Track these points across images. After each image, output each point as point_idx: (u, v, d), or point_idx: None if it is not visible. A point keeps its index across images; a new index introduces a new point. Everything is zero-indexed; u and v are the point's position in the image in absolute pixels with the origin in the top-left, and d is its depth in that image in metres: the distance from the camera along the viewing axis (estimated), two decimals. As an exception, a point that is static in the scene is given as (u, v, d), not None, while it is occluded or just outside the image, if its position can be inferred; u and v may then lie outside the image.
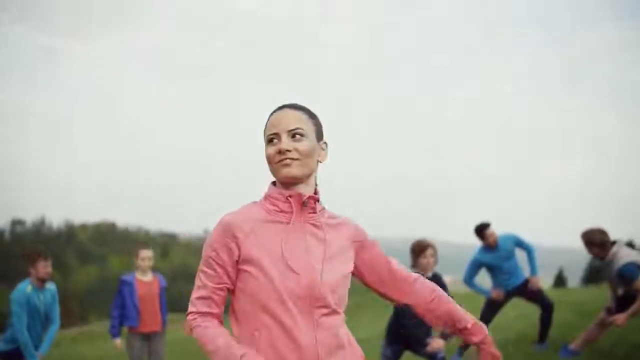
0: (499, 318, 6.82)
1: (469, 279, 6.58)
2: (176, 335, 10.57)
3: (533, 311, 7.28)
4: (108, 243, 57.97)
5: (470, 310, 6.69)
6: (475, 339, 1.94)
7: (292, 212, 1.78)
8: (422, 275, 4.86)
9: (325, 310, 1.74)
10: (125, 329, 6.01)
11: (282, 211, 1.79)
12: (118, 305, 5.90)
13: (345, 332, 1.80)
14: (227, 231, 1.74)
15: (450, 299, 1.99)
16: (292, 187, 1.80)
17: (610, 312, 5.52)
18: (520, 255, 6.66)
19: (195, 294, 1.78)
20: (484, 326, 1.97)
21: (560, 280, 33.68)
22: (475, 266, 6.55)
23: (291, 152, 1.76)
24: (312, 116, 1.84)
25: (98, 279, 49.39)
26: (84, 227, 61.87)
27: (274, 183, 1.84)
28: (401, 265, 1.96)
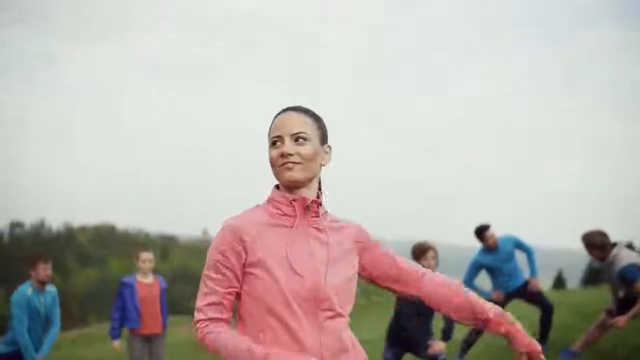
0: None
1: (469, 281, 6.58)
2: (176, 337, 10.57)
3: (533, 313, 7.27)
4: (108, 245, 57.92)
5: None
6: (502, 329, 1.86)
7: (295, 216, 1.79)
8: None
9: (329, 313, 1.74)
10: (126, 331, 6.01)
11: (285, 215, 1.79)
12: (119, 307, 5.90)
13: (349, 335, 1.80)
14: (234, 234, 1.74)
15: (468, 290, 1.93)
16: (294, 190, 1.80)
17: (611, 314, 5.53)
18: (519, 256, 6.66)
19: (203, 300, 1.75)
20: (508, 315, 1.90)
21: (559, 282, 33.69)
22: (475, 268, 6.56)
23: (294, 156, 1.75)
24: (317, 119, 1.83)
25: (98, 281, 49.34)
26: (83, 229, 61.83)
27: (277, 186, 1.84)
28: (409, 262, 1.94)
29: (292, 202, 1.78)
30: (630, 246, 5.45)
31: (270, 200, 1.82)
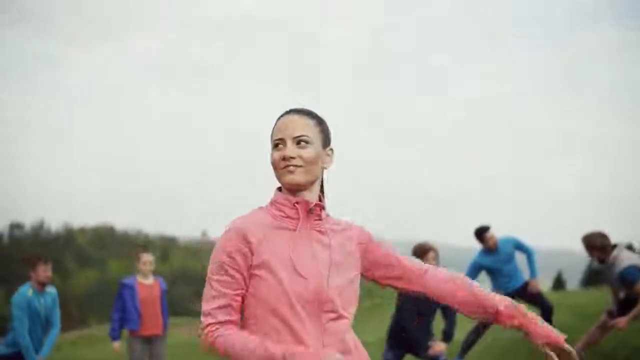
0: (499, 321, 6.81)
1: (469, 282, 6.57)
2: (177, 339, 10.58)
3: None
4: (107, 247, 57.92)
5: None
6: (515, 322, 1.83)
7: (298, 219, 1.79)
8: None
9: (332, 315, 1.74)
10: (126, 332, 6.01)
11: (288, 217, 1.79)
12: (119, 308, 5.90)
13: (351, 337, 1.81)
14: (240, 236, 1.73)
15: (473, 283, 1.91)
16: (297, 193, 1.80)
17: (611, 315, 5.52)
18: (519, 257, 6.66)
19: (211, 304, 1.72)
20: (521, 306, 1.86)
21: (559, 283, 33.68)
22: (476, 269, 6.56)
23: (295, 159, 1.75)
24: (320, 122, 1.83)
25: (97, 282, 49.33)
26: (82, 230, 61.82)
27: (279, 188, 1.84)
28: (411, 259, 1.94)
29: (295, 204, 1.79)
30: (630, 247, 5.44)
31: (273, 203, 1.82)
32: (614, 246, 5.39)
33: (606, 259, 5.38)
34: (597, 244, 5.39)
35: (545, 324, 1.86)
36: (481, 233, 6.55)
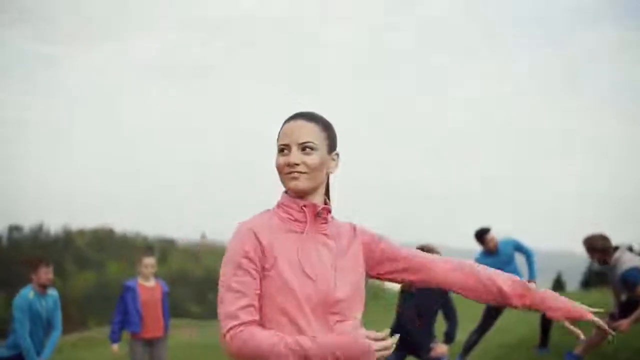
0: (500, 322, 6.84)
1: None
2: (178, 341, 10.57)
3: (533, 315, 7.28)
4: (106, 249, 57.84)
5: (471, 315, 6.71)
6: (526, 302, 1.85)
7: (306, 222, 1.80)
8: None
9: (339, 317, 1.75)
10: (127, 335, 6.01)
11: (296, 220, 1.80)
12: (120, 310, 5.90)
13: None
14: (254, 237, 1.73)
15: (481, 270, 1.91)
16: (302, 197, 1.81)
17: (613, 317, 5.52)
18: (519, 259, 6.67)
19: (233, 305, 1.68)
20: (530, 284, 1.86)
21: (558, 285, 33.65)
22: (476, 271, 6.56)
23: (300, 166, 1.76)
24: (326, 128, 1.83)
25: (96, 284, 49.27)
26: (81, 232, 61.74)
27: (286, 191, 1.84)
28: (415, 251, 1.94)
29: (303, 207, 1.79)
30: (629, 249, 5.44)
31: (280, 205, 1.83)
32: (616, 248, 5.39)
33: (608, 261, 5.38)
34: (598, 246, 5.39)
35: (564, 298, 1.84)
36: (482, 235, 6.56)
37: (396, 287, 4.89)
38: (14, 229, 58.27)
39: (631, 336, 5.96)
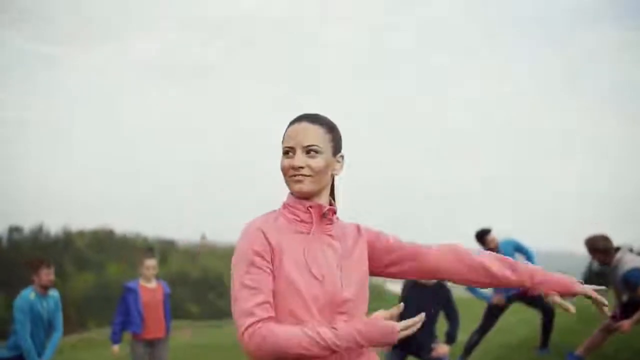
0: (501, 323, 6.84)
1: (471, 285, 6.58)
2: (179, 342, 10.57)
3: (534, 316, 7.28)
4: (106, 250, 57.79)
5: (472, 316, 6.69)
6: (516, 280, 1.85)
7: (312, 223, 1.80)
8: (427, 280, 4.90)
9: (346, 317, 1.76)
10: (128, 336, 6.02)
11: (302, 221, 1.80)
12: (121, 311, 5.90)
13: (367, 350, 1.81)
14: (262, 236, 1.73)
15: (469, 250, 1.92)
16: (309, 198, 1.81)
17: (614, 318, 5.52)
18: (519, 259, 6.67)
19: (249, 302, 1.66)
20: (517, 263, 1.86)
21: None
22: (477, 272, 6.56)
23: (304, 169, 1.76)
24: (331, 130, 1.83)
25: (96, 285, 49.28)
26: (81, 233, 61.71)
27: (292, 192, 1.85)
28: (406, 241, 1.94)
29: (309, 208, 1.80)
30: (630, 250, 5.43)
31: (286, 206, 1.83)
32: (617, 249, 5.39)
33: (609, 261, 5.37)
34: (599, 247, 5.38)
35: (555, 273, 1.84)
36: (482, 236, 6.55)
37: (397, 287, 4.89)
38: (13, 230, 58.27)
39: (633, 337, 5.96)
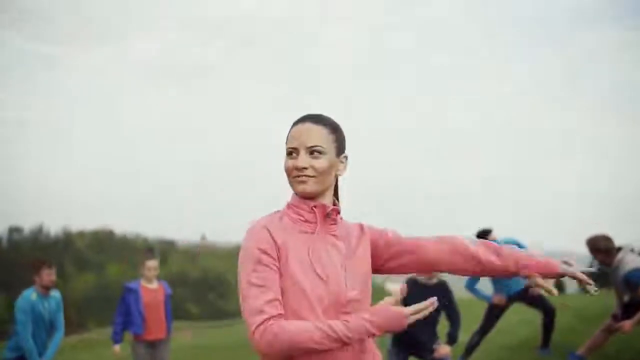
0: (501, 323, 6.84)
1: (471, 285, 6.59)
2: (180, 343, 10.57)
3: (534, 316, 7.28)
4: (106, 250, 57.90)
5: (473, 316, 6.67)
6: (501, 265, 1.84)
7: (316, 222, 1.80)
8: (428, 280, 4.90)
9: (350, 317, 1.75)
10: (130, 336, 6.02)
11: (306, 221, 1.80)
12: (122, 312, 5.90)
13: (371, 347, 1.83)
14: (268, 235, 1.74)
15: (454, 237, 1.91)
16: (313, 199, 1.81)
17: (616, 318, 5.52)
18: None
19: (258, 300, 1.66)
20: (502, 247, 1.85)
21: (558, 286, 33.71)
22: (478, 272, 6.56)
23: (308, 170, 1.76)
24: (334, 130, 1.83)
25: (96, 286, 49.37)
26: (81, 234, 61.80)
27: (296, 193, 1.85)
28: (412, 237, 1.94)
29: (313, 208, 1.80)
30: (631, 250, 5.43)
31: (290, 206, 1.84)
32: (619, 249, 5.38)
33: (611, 262, 5.37)
34: (601, 247, 5.38)
35: (539, 254, 1.83)
36: (483, 236, 6.55)
37: (398, 288, 4.88)
38: (14, 230, 58.33)
39: (634, 337, 5.96)
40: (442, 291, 4.95)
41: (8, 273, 38.81)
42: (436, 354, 4.81)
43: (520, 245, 6.60)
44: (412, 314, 1.71)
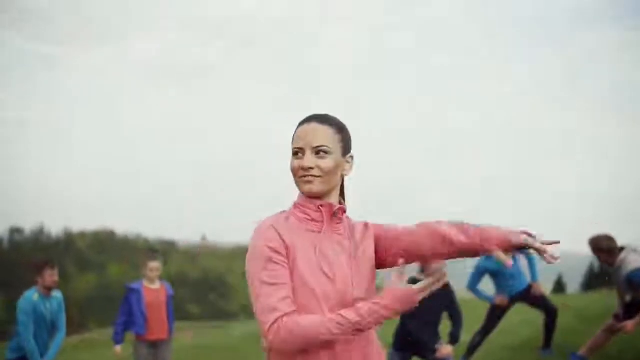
0: (503, 324, 6.84)
1: (473, 286, 6.59)
2: (181, 343, 10.56)
3: (536, 317, 7.28)
4: (107, 251, 57.87)
5: (475, 316, 6.67)
6: (466, 242, 1.81)
7: (322, 222, 1.81)
8: None
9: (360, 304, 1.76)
10: (132, 337, 6.03)
11: (313, 220, 1.81)
12: (124, 312, 5.92)
13: (375, 337, 1.84)
14: (276, 234, 1.74)
15: (446, 222, 1.88)
16: (319, 198, 1.82)
17: (618, 318, 5.52)
18: (521, 261, 6.67)
19: (270, 298, 1.67)
20: (467, 225, 1.84)
21: (559, 286, 33.69)
22: (479, 273, 6.56)
23: (314, 170, 1.77)
24: (340, 130, 1.83)
25: (97, 286, 49.38)
26: (82, 235, 61.78)
27: (302, 193, 1.86)
28: (397, 225, 1.93)
29: (320, 207, 1.81)
30: (634, 250, 5.43)
31: (297, 206, 1.84)
32: (622, 249, 5.38)
33: (613, 262, 5.37)
34: (603, 247, 5.38)
35: (504, 228, 1.81)
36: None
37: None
38: (15, 231, 58.30)
39: (636, 337, 5.96)
40: (444, 291, 4.95)
41: (9, 274, 38.81)
42: (438, 354, 4.81)
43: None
44: (421, 291, 1.71)
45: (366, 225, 1.92)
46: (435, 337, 4.95)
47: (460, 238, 1.83)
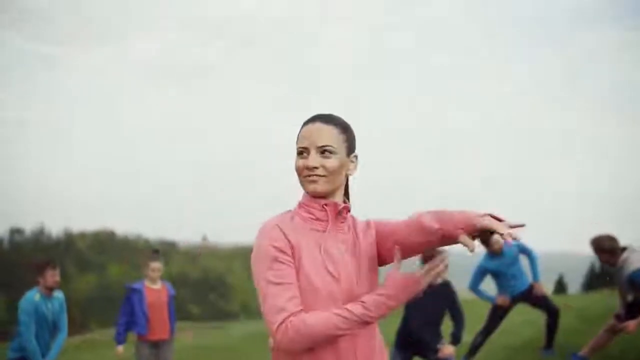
0: (505, 324, 6.84)
1: (475, 286, 6.59)
2: (181, 343, 10.55)
3: (538, 317, 7.29)
4: (107, 251, 57.87)
5: (476, 317, 6.68)
6: (442, 229, 1.71)
7: (327, 221, 1.81)
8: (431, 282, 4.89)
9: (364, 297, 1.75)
10: (133, 337, 6.02)
11: (318, 219, 1.81)
12: (126, 312, 5.91)
13: (379, 338, 1.85)
14: (281, 233, 1.74)
15: (423, 212, 1.81)
16: (324, 197, 1.82)
17: (619, 318, 5.51)
18: (523, 261, 6.67)
19: (279, 298, 1.67)
20: (443, 213, 1.74)
21: (560, 286, 33.68)
22: (481, 273, 6.56)
23: (318, 169, 1.77)
24: (344, 130, 1.83)
25: (98, 287, 49.39)
26: (82, 235, 61.76)
27: (306, 192, 1.86)
28: (403, 220, 1.88)
29: (325, 206, 1.81)
30: (636, 250, 5.42)
31: (301, 205, 1.85)
32: (624, 249, 5.38)
33: (615, 262, 5.36)
34: (605, 247, 5.37)
35: (476, 211, 1.72)
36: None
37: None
38: (15, 231, 58.27)
39: (638, 337, 5.95)
40: (446, 291, 4.95)
41: (9, 274, 38.81)
42: (440, 354, 4.81)
43: (524, 247, 6.60)
44: (426, 274, 1.69)
45: (368, 223, 1.92)
46: (437, 337, 4.94)
47: (433, 225, 1.74)
